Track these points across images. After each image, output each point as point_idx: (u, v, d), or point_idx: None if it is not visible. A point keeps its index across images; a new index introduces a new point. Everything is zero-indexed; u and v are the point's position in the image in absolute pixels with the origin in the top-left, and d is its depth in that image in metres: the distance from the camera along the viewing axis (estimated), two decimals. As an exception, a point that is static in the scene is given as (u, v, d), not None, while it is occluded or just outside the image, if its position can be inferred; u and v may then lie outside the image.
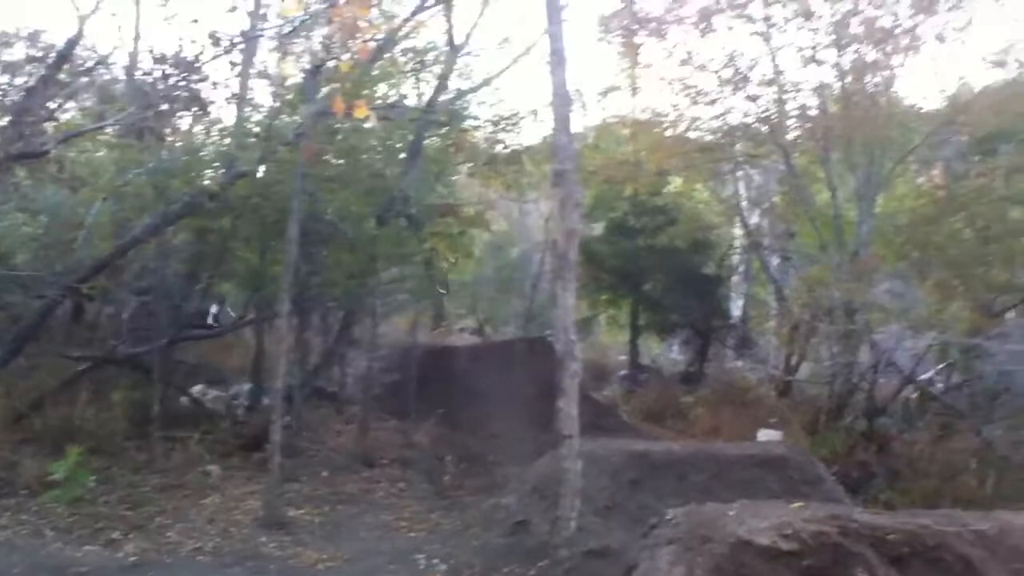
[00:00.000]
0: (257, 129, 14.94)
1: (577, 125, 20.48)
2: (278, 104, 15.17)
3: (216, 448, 14.43)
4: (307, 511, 12.40)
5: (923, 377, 16.64)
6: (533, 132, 20.93)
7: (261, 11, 14.69)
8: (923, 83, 26.29)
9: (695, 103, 20.21)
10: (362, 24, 8.85)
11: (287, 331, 12.93)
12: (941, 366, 17.31)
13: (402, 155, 17.20)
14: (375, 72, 15.41)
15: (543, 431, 14.26)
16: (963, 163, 21.15)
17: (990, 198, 18.15)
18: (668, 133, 21.08)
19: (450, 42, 17.73)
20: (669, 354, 28.26)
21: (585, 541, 9.32)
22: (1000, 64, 19.83)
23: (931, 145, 20.52)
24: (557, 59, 9.76)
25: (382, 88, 16.63)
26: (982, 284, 17.14)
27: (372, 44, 12.02)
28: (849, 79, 18.73)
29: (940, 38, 18.31)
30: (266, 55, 15.83)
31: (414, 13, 14.08)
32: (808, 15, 18.33)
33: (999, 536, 5.81)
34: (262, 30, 13.39)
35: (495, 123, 19.03)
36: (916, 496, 13.33)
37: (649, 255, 23.26)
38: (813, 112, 19.33)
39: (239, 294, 19.27)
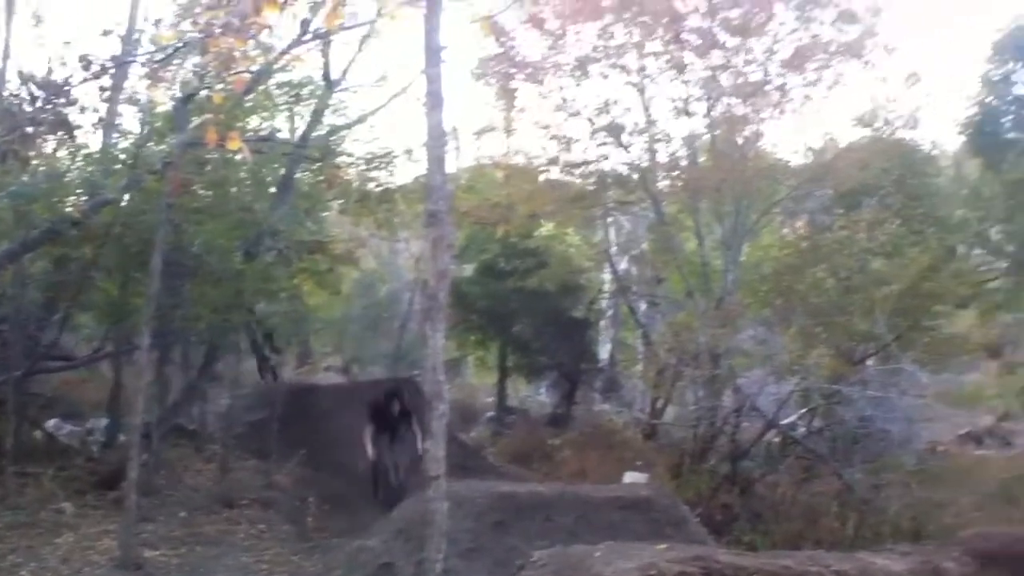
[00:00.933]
0: (124, 156, 14.57)
1: (451, 166, 20.63)
2: (147, 131, 14.83)
3: (71, 485, 13.82)
4: (164, 552, 12.00)
5: (785, 422, 17.00)
6: (406, 171, 20.94)
7: (135, 36, 14.42)
8: (790, 137, 27.22)
9: (568, 149, 20.57)
10: (238, 55, 8.72)
11: (147, 365, 12.58)
12: (803, 411, 17.75)
13: (272, 189, 16.99)
14: (248, 103, 15.21)
15: (410, 472, 14.20)
16: (827, 216, 21.96)
17: (852, 250, 18.84)
18: (541, 178, 21.38)
19: (326, 77, 17.63)
20: (537, 396, 28.43)
21: (451, 584, 9.24)
22: (865, 122, 20.69)
23: (797, 197, 21.27)
24: (434, 100, 9.74)
25: (255, 120, 16.39)
26: (843, 332, 17.72)
27: (247, 76, 11.87)
28: (719, 131, 19.29)
29: (808, 96, 19.04)
30: (137, 81, 15.50)
31: (291, 47, 13.92)
32: (681, 68, 18.84)
33: (860, 575, 5.96)
34: (134, 56, 13.10)
35: (368, 160, 18.94)
36: (778, 538, 13.62)
37: (519, 297, 23.40)
38: (683, 162, 19.83)
39: (98, 326, 18.66)
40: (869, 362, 17.97)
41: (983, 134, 24.60)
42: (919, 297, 18.88)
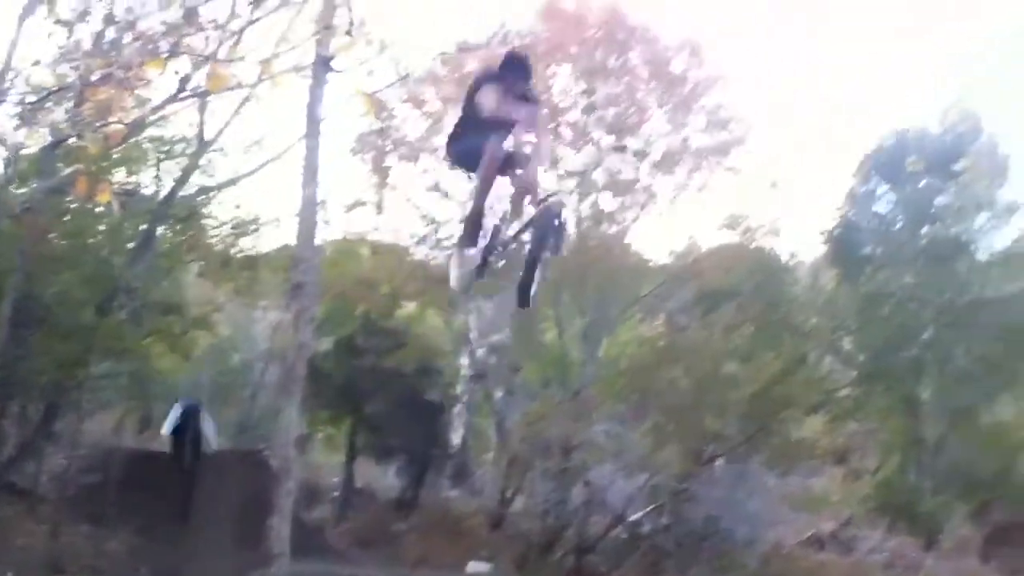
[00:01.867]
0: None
1: (318, 238, 20.50)
2: (10, 172, 14.45)
3: None
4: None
5: (633, 517, 17.25)
6: (272, 239, 20.82)
7: (9, 75, 14.09)
8: (656, 236, 28.04)
9: (436, 231, 20.76)
10: (115, 106, 8.65)
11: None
12: (651, 507, 18.03)
13: (132, 245, 16.66)
14: (116, 155, 14.98)
15: (245, 548, 13.85)
16: (686, 316, 22.57)
17: (708, 351, 19.39)
18: (407, 257, 21.48)
19: (200, 137, 17.46)
20: (385, 479, 28.10)
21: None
22: (729, 227, 21.43)
23: (658, 296, 21.80)
24: (310, 171, 9.81)
25: (121, 173, 16.14)
26: (695, 431, 18.16)
27: (122, 127, 11.73)
28: (587, 225, 19.75)
29: (675, 197, 19.71)
30: (6, 120, 15.10)
31: (167, 102, 13.79)
32: (555, 160, 19.28)
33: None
34: (5, 95, 12.81)
35: (235, 225, 18.78)
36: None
37: (375, 376, 23.21)
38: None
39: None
40: (718, 462, 18.40)
41: (843, 247, 25.78)
42: (770, 401, 19.55)
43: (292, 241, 16.01)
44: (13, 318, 11.71)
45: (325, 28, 8.94)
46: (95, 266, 15.26)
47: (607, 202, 19.55)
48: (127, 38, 9.53)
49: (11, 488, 16.49)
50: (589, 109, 19.17)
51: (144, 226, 16.50)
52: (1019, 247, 23.98)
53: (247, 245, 19.05)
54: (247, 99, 17.11)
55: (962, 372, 24.41)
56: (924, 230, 24.53)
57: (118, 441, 18.48)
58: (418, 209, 20.55)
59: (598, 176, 19.31)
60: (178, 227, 17.57)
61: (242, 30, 11.65)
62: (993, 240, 24.75)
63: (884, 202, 26.12)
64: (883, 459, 29.54)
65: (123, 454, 18.04)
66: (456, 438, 26.65)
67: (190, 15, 9.05)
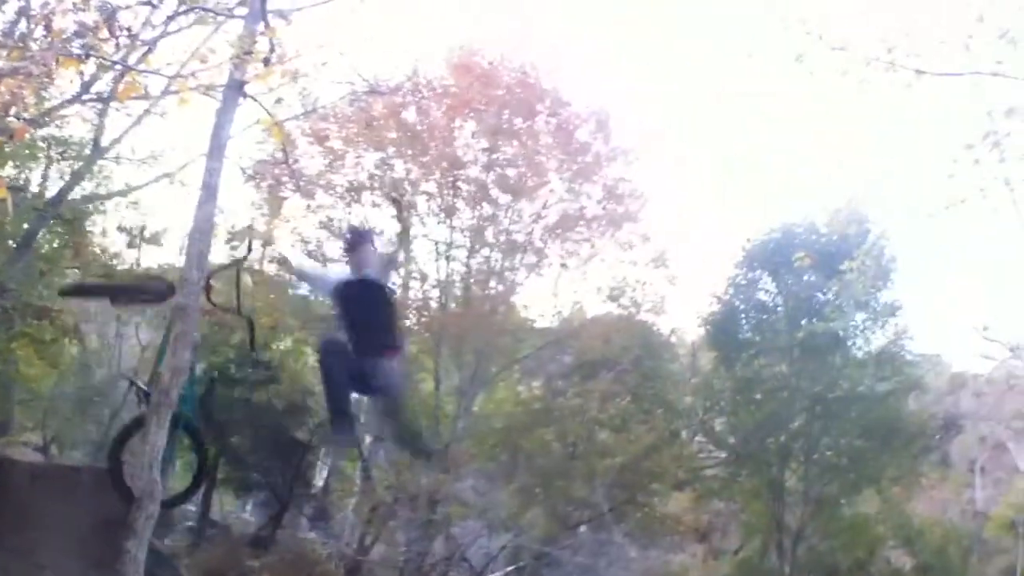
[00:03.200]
0: None
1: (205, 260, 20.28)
2: None
3: None
4: None
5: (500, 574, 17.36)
6: (155, 255, 20.55)
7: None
8: (541, 300, 28.39)
9: (324, 266, 20.71)
10: (21, 102, 8.58)
11: None
12: (511, 568, 18.15)
13: (11, 243, 16.31)
14: (7, 150, 14.73)
15: (96, 569, 13.52)
16: (564, 381, 22.91)
17: (583, 418, 19.71)
18: (289, 291, 21.38)
19: (95, 142, 17.24)
20: (242, 513, 27.69)
21: None
22: (614, 298, 21.87)
23: (538, 358, 22.08)
24: (208, 194, 9.78)
25: (8, 169, 15.82)
26: (562, 495, 18.40)
27: (22, 123, 11.57)
28: (474, 280, 19.97)
29: (564, 264, 20.07)
30: None
31: (70, 102, 13.68)
32: (451, 213, 19.50)
33: None
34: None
35: (122, 235, 18.53)
36: None
37: (243, 407, 22.99)
38: (433, 304, 20.31)
39: None
40: (582, 528, 18.62)
41: (721, 331, 26.53)
42: (639, 473, 19.96)
43: (175, 260, 15.88)
44: None
45: (245, 53, 8.97)
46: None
47: (496, 260, 19.78)
48: (38, 33, 9.49)
49: None
50: (489, 167, 19.47)
51: (25, 226, 16.16)
52: (893, 347, 24.94)
53: (130, 258, 18.78)
54: (147, 111, 17.13)
55: (828, 463, 25.26)
56: (803, 322, 25.35)
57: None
58: (307, 244, 20.46)
59: (490, 234, 19.56)
60: (62, 231, 17.21)
61: (155, 41, 11.68)
62: (870, 338, 25.71)
63: (765, 291, 27.01)
64: (745, 540, 30.23)
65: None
66: (319, 479, 26.47)
67: (109, 19, 9.03)
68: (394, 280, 7.73)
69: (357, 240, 8.65)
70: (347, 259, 8.36)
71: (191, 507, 26.65)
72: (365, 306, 8.19)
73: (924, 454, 27.61)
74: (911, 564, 23.13)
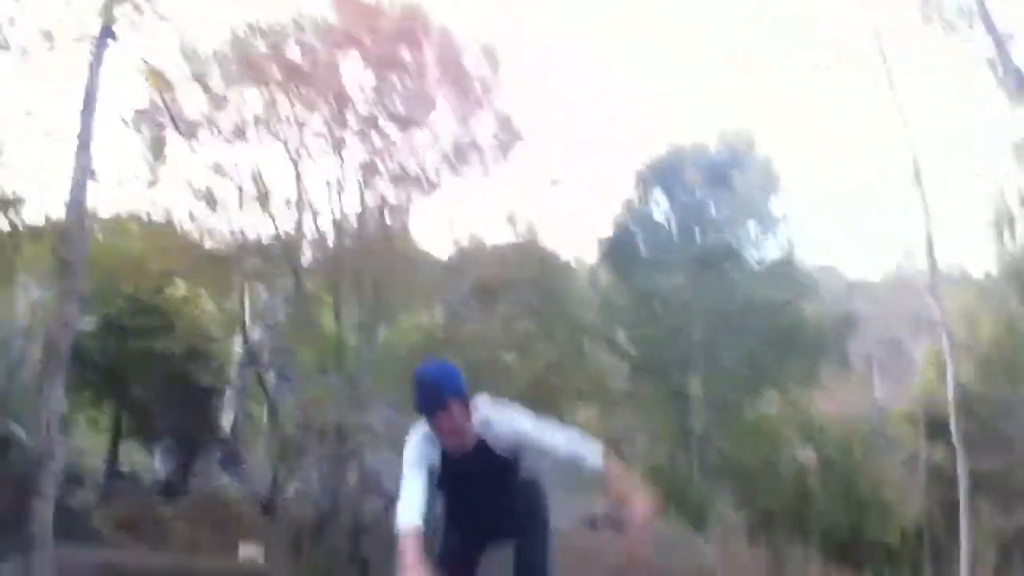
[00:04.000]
0: None
1: (86, 212, 19.89)
2: None
3: None
4: None
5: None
6: (36, 213, 20.04)
7: None
8: (438, 231, 28.44)
9: (213, 211, 20.49)
10: None
11: None
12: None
13: None
14: None
15: (8, 534, 13.46)
16: (465, 308, 23.06)
17: (486, 341, 19.87)
18: (179, 236, 21.09)
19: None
20: (151, 463, 27.50)
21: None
22: (510, 223, 22.06)
23: (438, 288, 22.18)
24: (83, 145, 9.65)
25: None
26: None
27: None
28: (369, 214, 19.91)
29: (458, 191, 20.17)
30: None
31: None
32: (340, 148, 19.35)
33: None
34: None
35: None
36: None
37: (141, 358, 22.75)
38: (330, 240, 20.22)
39: None
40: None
41: (619, 250, 27.01)
42: (546, 390, 20.20)
43: (57, 216, 15.56)
44: None
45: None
46: None
47: (390, 193, 19.73)
48: None
49: None
50: (378, 100, 19.33)
51: None
52: (787, 258, 25.63)
53: (9, 219, 18.29)
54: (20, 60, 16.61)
55: (729, 370, 25.92)
56: (697, 238, 25.93)
57: None
58: (194, 188, 20.15)
59: (382, 167, 19.48)
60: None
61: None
62: (764, 251, 26.38)
63: (659, 210, 27.54)
64: (653, 448, 31.02)
65: None
66: (227, 423, 26.38)
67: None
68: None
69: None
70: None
71: (99, 461, 26.40)
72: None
73: (823, 356, 28.53)
74: (816, 460, 23.93)
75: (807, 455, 25.13)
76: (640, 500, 5.43)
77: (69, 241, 8.96)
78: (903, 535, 20.02)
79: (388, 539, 15.86)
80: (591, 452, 5.54)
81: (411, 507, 5.55)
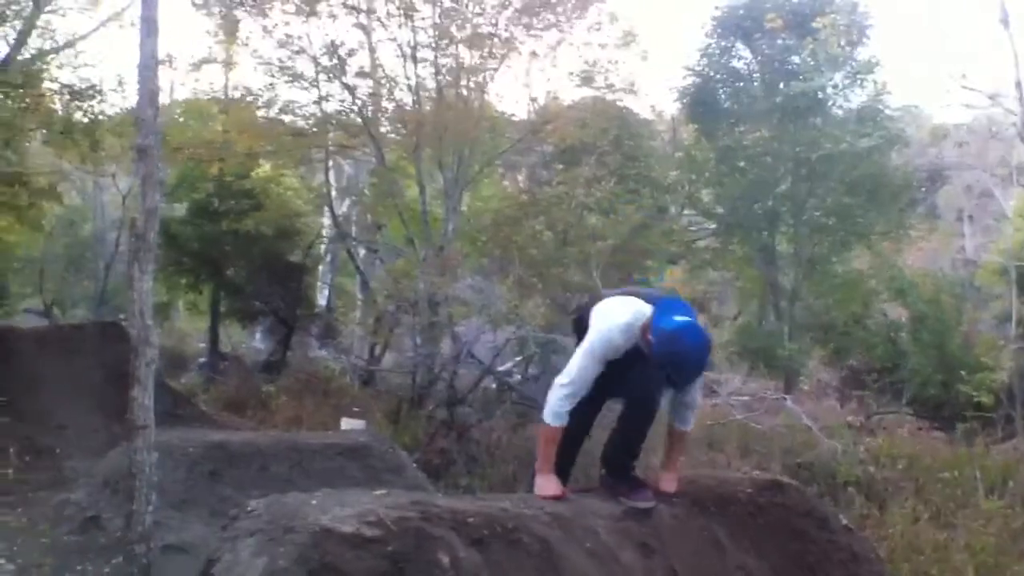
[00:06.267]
0: None
1: (165, 98, 19.75)
2: None
3: None
4: None
5: (501, 369, 17.43)
6: (116, 102, 19.99)
7: None
8: (516, 92, 27.89)
9: (291, 87, 20.23)
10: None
11: None
12: (518, 359, 18.28)
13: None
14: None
15: (115, 422, 13.55)
16: (547, 171, 22.60)
17: (570, 205, 19.45)
18: (260, 114, 20.90)
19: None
20: (251, 342, 27.89)
21: (162, 536, 8.90)
22: (587, 81, 21.33)
23: (518, 151, 21.72)
24: (149, 27, 9.21)
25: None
26: (559, 283, 18.35)
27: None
28: (445, 80, 19.39)
29: (534, 52, 19.48)
30: None
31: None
32: (411, 13, 18.75)
33: (574, 517, 6.17)
34: None
35: (75, 89, 17.94)
36: (494, 481, 13.98)
37: (233, 240, 22.75)
38: (408, 108, 19.80)
39: None
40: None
41: (699, 103, 26.01)
42: (631, 252, 19.76)
43: (133, 104, 15.36)
44: None
45: None
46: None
47: (465, 56, 19.13)
48: None
49: None
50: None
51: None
52: (873, 104, 24.40)
53: (90, 110, 18.21)
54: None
55: (817, 223, 25.17)
56: (780, 86, 24.82)
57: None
58: (270, 65, 19.78)
59: (455, 29, 18.85)
60: (15, 94, 16.62)
61: None
62: (849, 96, 25.16)
63: (739, 59, 26.39)
64: (742, 306, 30.60)
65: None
66: (321, 298, 26.55)
67: None
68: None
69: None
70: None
71: (200, 344, 26.83)
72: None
73: (911, 207, 27.52)
74: (906, 315, 23.25)
75: (897, 310, 24.50)
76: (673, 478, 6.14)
77: (145, 128, 8.64)
78: (995, 392, 19.38)
79: (483, 405, 15.73)
80: None
81: (571, 397, 5.70)
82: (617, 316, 5.80)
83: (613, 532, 6.03)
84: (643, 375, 5.79)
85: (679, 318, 5.50)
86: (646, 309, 5.69)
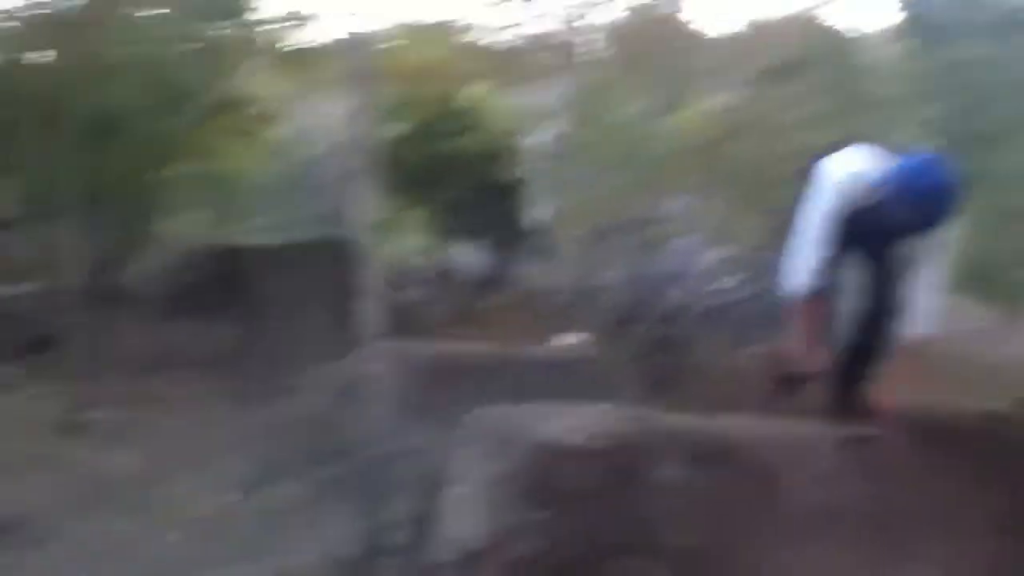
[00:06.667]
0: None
1: (377, 24, 20.10)
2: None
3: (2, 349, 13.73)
4: (107, 414, 12.03)
5: (716, 288, 17.29)
6: (333, 28, 20.52)
7: None
8: (719, 11, 27.02)
9: (498, 10, 20.33)
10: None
11: (76, 227, 12.40)
12: (732, 277, 18.08)
13: (187, 45, 16.49)
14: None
15: (342, 334, 14.17)
16: (757, 87, 21.96)
17: (778, 122, 18.92)
18: (470, 37, 21.10)
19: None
20: (468, 259, 28.39)
21: (388, 442, 9.32)
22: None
23: (727, 69, 21.19)
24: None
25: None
26: (770, 202, 17.94)
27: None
28: (644, 2, 19.10)
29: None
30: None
31: None
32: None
33: (795, 441, 6.11)
34: None
35: (292, 16, 18.48)
36: (710, 401, 13.95)
37: (449, 160, 23.16)
38: (611, 28, 19.58)
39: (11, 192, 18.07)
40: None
41: (916, 16, 24.57)
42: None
43: (346, 28, 15.73)
44: (81, 131, 11.67)
45: None
46: (154, 70, 15.08)
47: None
48: None
49: (109, 292, 16.98)
50: None
51: (198, 26, 16.24)
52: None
53: (308, 36, 18.76)
54: None
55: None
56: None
57: (204, 239, 18.71)
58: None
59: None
60: (235, 22, 17.23)
61: None
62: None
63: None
64: (965, 231, 29.01)
65: (214, 251, 18.39)
66: (534, 218, 26.73)
67: None
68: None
69: None
70: None
71: (420, 261, 27.52)
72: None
73: None
74: None
75: None
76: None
77: (357, 51, 8.88)
78: None
79: (698, 325, 15.71)
80: None
81: (811, 261, 5.50)
82: (846, 159, 5.61)
83: (835, 459, 5.94)
84: (879, 275, 5.61)
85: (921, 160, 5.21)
86: (881, 156, 5.44)
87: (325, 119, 29.33)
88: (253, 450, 10.92)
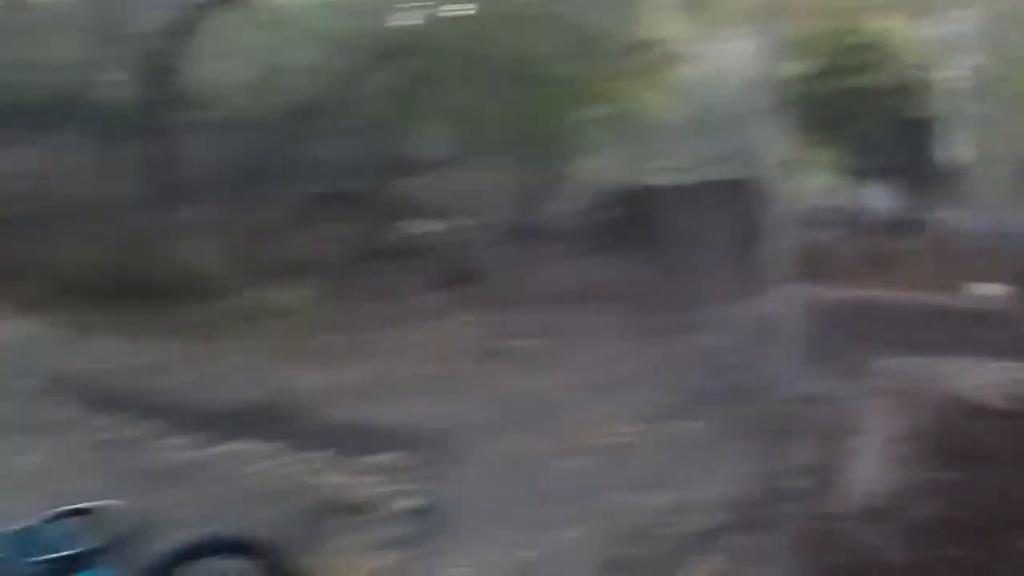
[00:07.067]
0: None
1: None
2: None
3: (429, 281, 14.90)
4: (523, 341, 12.79)
5: None
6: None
7: None
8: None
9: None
10: None
11: (499, 168, 13.16)
12: None
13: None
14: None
15: (751, 273, 14.24)
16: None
17: None
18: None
19: None
20: (881, 201, 27.41)
21: (797, 386, 9.31)
22: None
23: None
24: None
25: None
26: None
27: None
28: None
29: None
30: None
31: None
32: None
33: None
34: None
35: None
36: None
37: (860, 96, 22.35)
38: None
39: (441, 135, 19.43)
40: None
41: None
42: None
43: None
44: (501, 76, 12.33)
45: None
46: (567, 18, 15.61)
47: None
48: None
49: (529, 228, 17.95)
50: None
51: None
52: None
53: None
54: None
55: None
56: None
57: (617, 179, 19.28)
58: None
59: None
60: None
61: None
62: None
63: None
64: None
65: (623, 191, 18.92)
66: (949, 155, 25.34)
67: None
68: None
69: None
70: None
71: (828, 202, 26.86)
72: None
73: None
74: None
75: None
76: None
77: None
78: None
79: None
80: None
81: None
82: None
83: None
84: None
85: None
86: None
87: (732, 58, 29.21)
88: (659, 383, 11.19)
